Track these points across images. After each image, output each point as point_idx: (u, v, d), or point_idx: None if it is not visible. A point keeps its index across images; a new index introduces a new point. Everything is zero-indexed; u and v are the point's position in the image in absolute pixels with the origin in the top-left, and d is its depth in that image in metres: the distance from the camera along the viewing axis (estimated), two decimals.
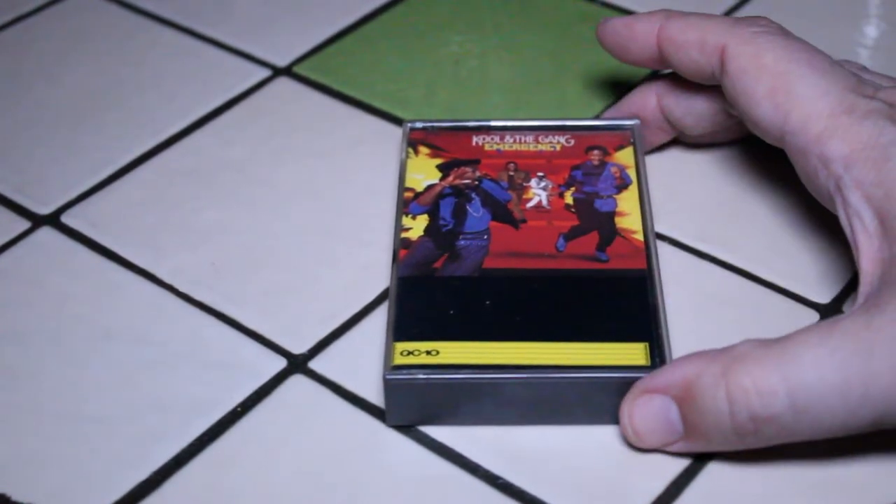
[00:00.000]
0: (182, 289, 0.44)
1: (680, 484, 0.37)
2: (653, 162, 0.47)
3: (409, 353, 0.38)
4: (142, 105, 0.52)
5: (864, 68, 0.42)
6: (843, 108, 0.39)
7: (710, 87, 0.44)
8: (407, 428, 0.39)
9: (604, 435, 0.39)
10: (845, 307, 0.42)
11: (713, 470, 0.38)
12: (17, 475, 0.39)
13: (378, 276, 0.44)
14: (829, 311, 0.42)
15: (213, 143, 0.50)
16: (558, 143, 0.46)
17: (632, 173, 0.44)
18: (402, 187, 0.44)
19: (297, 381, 0.41)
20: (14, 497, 0.38)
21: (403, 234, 0.42)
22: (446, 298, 0.40)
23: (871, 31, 0.53)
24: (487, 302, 0.40)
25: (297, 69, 0.53)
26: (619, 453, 0.38)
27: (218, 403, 0.40)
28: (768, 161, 0.47)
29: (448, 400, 0.38)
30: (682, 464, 0.38)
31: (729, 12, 0.54)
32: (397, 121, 0.50)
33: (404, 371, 0.38)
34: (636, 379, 0.37)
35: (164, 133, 0.51)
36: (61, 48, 0.55)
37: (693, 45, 0.42)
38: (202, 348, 0.42)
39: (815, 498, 0.37)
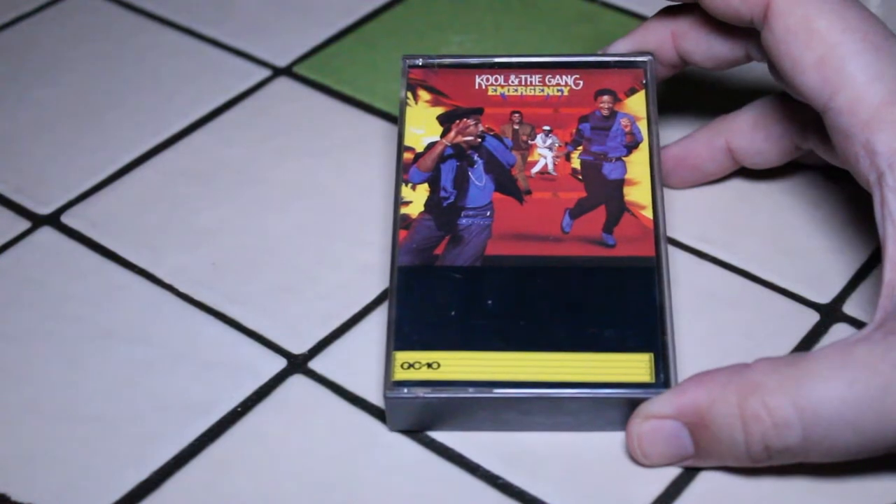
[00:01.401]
0: (182, 289, 0.44)
1: (679, 485, 0.37)
2: None
3: (410, 365, 0.38)
4: (142, 105, 0.52)
5: None
6: None
7: (735, 33, 0.42)
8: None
9: (604, 436, 0.38)
10: (846, 308, 0.42)
11: (712, 471, 0.38)
12: (17, 475, 0.39)
13: (378, 276, 0.44)
14: (829, 311, 0.42)
15: (213, 143, 0.50)
16: (566, 85, 0.43)
17: (643, 126, 0.42)
18: (401, 145, 0.42)
19: (297, 381, 0.41)
20: (14, 497, 0.38)
21: (403, 210, 0.41)
22: (447, 295, 0.39)
23: None
24: (489, 301, 0.39)
25: (297, 69, 0.53)
26: (619, 454, 0.38)
27: (218, 403, 0.40)
28: None
29: (449, 413, 0.38)
30: None
31: None
32: (397, 121, 0.50)
33: (405, 388, 0.37)
34: (641, 398, 0.37)
35: (164, 133, 0.51)
36: (61, 48, 0.55)
37: None
38: (202, 348, 0.42)
39: (814, 498, 0.37)
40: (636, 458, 0.37)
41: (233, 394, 0.41)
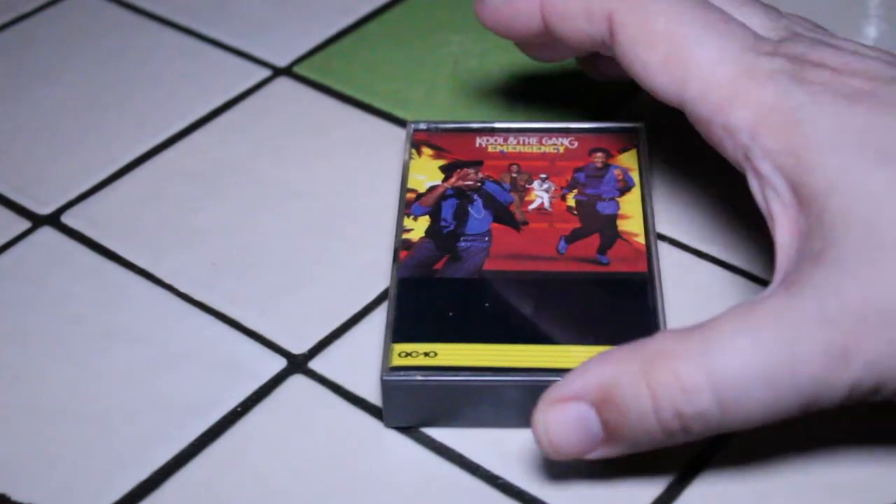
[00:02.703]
0: (182, 289, 0.44)
1: (680, 484, 0.37)
2: (652, 162, 0.47)
3: (407, 354, 0.38)
4: (142, 105, 0.52)
5: (770, 9, 0.40)
6: (743, 71, 0.37)
7: None
8: (407, 428, 0.39)
9: None
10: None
11: (713, 471, 0.38)
12: (17, 475, 0.39)
13: (378, 276, 0.44)
14: None
15: (213, 143, 0.50)
16: (562, 144, 0.46)
17: (635, 176, 0.44)
18: (404, 188, 0.44)
19: (297, 381, 0.41)
20: (14, 497, 0.38)
21: (405, 236, 0.43)
22: (446, 300, 0.40)
23: (871, 31, 0.53)
24: (487, 304, 0.40)
25: (297, 69, 0.53)
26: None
27: (218, 403, 0.40)
28: None
29: (446, 402, 0.38)
30: (681, 465, 0.38)
31: None
32: (398, 121, 0.50)
33: (402, 372, 0.38)
34: None
35: (164, 133, 0.51)
36: (61, 48, 0.55)
37: (579, 13, 0.40)
38: (202, 348, 0.42)
39: (814, 499, 0.37)
40: (544, 450, 0.36)
41: (233, 394, 0.41)
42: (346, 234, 0.46)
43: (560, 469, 0.38)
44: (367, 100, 0.51)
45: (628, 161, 0.45)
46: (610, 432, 0.35)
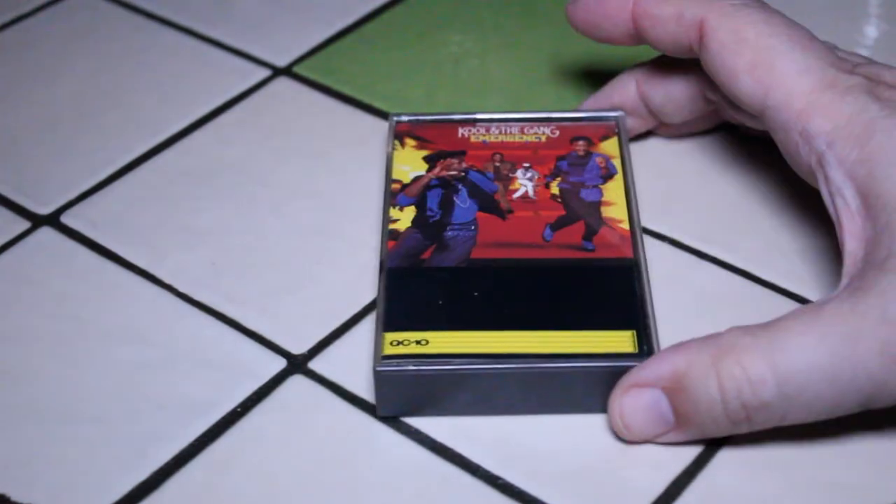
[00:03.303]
0: (182, 289, 0.44)
1: (680, 484, 0.37)
2: (653, 162, 0.47)
3: (399, 343, 0.39)
4: (142, 105, 0.52)
5: (836, 47, 0.42)
6: (825, 83, 0.39)
7: (689, 72, 0.44)
8: (407, 428, 0.39)
9: (604, 434, 0.39)
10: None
11: (714, 470, 0.38)
12: (17, 475, 0.39)
13: (378, 276, 0.44)
14: None
15: (212, 143, 0.50)
16: (543, 133, 0.46)
17: (617, 163, 0.45)
18: (388, 179, 0.45)
19: (297, 382, 0.41)
20: (14, 497, 0.38)
21: (391, 226, 0.43)
22: (435, 289, 0.40)
23: (871, 31, 0.53)
24: (476, 292, 0.40)
25: (297, 69, 0.53)
26: (620, 453, 0.38)
27: (218, 403, 0.40)
28: (768, 161, 0.47)
29: (439, 389, 0.39)
30: (682, 464, 0.38)
31: None
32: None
33: (394, 362, 0.38)
34: (625, 368, 0.38)
35: (164, 133, 0.51)
36: (61, 48, 0.55)
37: (670, 18, 0.42)
38: (202, 348, 0.42)
39: (815, 498, 0.37)
40: (619, 432, 0.38)
41: (233, 394, 0.41)
42: (346, 234, 0.46)
43: (560, 469, 0.38)
44: (367, 100, 0.51)
45: (610, 149, 0.45)
46: (680, 419, 0.37)
